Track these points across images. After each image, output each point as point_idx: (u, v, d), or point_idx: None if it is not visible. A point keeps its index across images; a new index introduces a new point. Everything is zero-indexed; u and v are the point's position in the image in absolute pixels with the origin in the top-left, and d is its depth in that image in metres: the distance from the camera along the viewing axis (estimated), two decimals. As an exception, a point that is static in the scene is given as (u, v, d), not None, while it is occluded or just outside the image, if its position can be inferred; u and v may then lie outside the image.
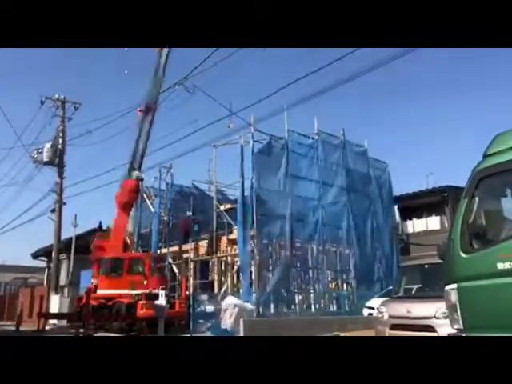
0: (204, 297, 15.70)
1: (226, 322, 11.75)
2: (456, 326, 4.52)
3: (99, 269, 15.87)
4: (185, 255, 18.90)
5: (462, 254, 4.51)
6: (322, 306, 15.57)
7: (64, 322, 17.97)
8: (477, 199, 4.54)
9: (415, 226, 22.46)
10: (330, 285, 16.34)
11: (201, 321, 13.50)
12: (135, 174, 16.59)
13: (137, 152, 16.65)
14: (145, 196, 20.49)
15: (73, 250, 22.69)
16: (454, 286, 4.58)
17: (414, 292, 8.71)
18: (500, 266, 4.13)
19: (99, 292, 15.24)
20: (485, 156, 4.72)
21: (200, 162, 46.12)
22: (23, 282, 32.72)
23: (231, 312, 11.82)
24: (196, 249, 18.41)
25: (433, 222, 21.77)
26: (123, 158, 17.46)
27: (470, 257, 4.46)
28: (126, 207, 16.71)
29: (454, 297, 4.54)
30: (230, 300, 12.37)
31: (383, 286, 16.17)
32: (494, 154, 4.58)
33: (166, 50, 16.04)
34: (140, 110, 16.66)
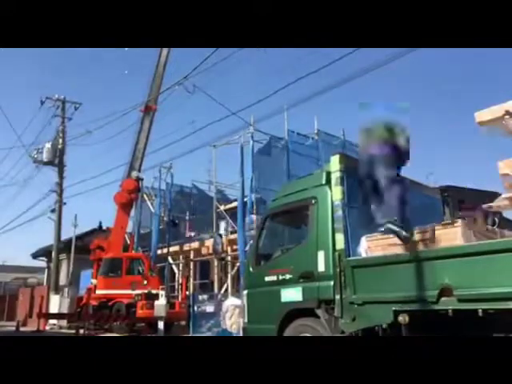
0: (204, 297, 15.70)
1: (227, 323, 11.75)
2: (244, 321, 6.41)
3: (98, 269, 15.89)
4: (185, 255, 18.91)
5: (251, 269, 6.39)
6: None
7: (64, 322, 17.97)
8: (264, 231, 6.40)
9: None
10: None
11: (201, 321, 13.50)
12: (135, 173, 16.59)
13: (137, 152, 16.65)
14: (145, 196, 20.48)
15: (73, 250, 22.67)
16: (245, 291, 6.42)
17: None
18: (267, 278, 5.92)
19: (98, 292, 15.24)
20: (273, 200, 6.72)
21: (200, 162, 46.10)
22: (23, 282, 32.69)
23: (232, 313, 11.82)
24: (197, 249, 18.40)
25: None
26: (123, 157, 17.48)
27: (254, 271, 6.32)
28: (125, 207, 16.72)
29: (244, 299, 6.41)
30: (231, 301, 12.37)
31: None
32: (276, 199, 6.55)
33: (166, 49, 16.04)
34: (141, 110, 16.68)
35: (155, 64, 16.44)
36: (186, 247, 18.83)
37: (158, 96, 16.50)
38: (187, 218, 19.94)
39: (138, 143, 16.60)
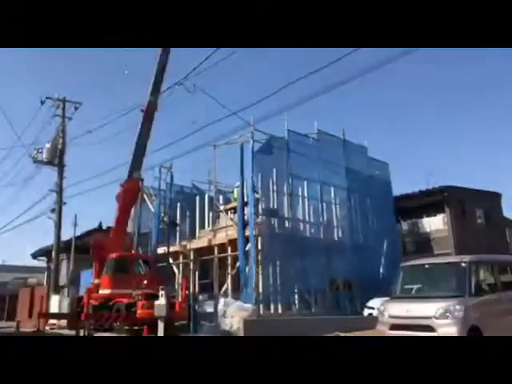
0: (204, 297, 15.67)
1: (227, 323, 11.78)
2: None
3: (100, 267, 15.84)
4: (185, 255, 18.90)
5: None
6: (322, 306, 15.58)
7: (64, 322, 17.95)
8: None
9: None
10: (331, 285, 16.33)
11: (201, 321, 13.50)
12: (135, 174, 16.58)
13: (137, 152, 16.63)
14: (145, 196, 20.46)
15: (73, 250, 22.68)
16: None
17: (413, 292, 8.71)
18: None
19: (102, 291, 15.24)
20: None
21: (200, 162, 46.15)
22: (23, 282, 32.68)
23: (232, 313, 11.84)
24: (197, 249, 18.38)
25: (436, 222, 21.85)
26: (123, 157, 17.46)
27: None
28: (126, 208, 16.71)
29: None
30: (229, 302, 12.39)
31: (383, 285, 16.18)
32: None
33: (166, 49, 16.03)
34: (142, 109, 16.66)
35: (155, 65, 16.40)
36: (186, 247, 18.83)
37: (157, 96, 16.45)
38: (187, 217, 19.93)
39: (139, 143, 16.57)
